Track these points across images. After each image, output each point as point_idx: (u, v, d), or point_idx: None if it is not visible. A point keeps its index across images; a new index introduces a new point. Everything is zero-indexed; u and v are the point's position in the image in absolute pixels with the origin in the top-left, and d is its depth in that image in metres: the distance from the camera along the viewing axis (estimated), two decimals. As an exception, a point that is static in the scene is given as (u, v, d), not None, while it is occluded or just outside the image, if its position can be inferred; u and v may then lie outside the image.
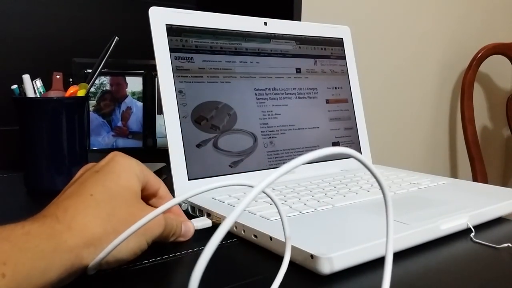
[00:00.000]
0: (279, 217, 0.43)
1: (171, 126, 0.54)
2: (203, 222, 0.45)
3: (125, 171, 0.37)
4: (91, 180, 0.35)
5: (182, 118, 0.56)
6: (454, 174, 1.56)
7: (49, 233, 0.30)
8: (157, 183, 0.41)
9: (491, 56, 1.42)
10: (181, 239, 0.41)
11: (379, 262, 0.37)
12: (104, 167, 0.37)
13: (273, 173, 0.25)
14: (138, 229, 0.32)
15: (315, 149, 0.26)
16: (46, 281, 0.29)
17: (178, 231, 0.40)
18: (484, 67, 1.45)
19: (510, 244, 0.40)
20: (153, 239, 0.36)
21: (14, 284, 0.27)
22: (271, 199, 0.33)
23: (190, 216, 0.47)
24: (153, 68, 0.87)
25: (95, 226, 0.32)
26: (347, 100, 0.71)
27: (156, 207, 0.36)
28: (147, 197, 0.41)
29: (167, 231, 0.38)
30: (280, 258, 0.37)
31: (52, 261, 0.29)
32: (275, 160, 0.62)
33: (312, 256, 0.35)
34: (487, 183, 1.10)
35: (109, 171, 0.36)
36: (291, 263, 0.36)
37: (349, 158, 0.34)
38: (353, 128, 0.71)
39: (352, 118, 0.71)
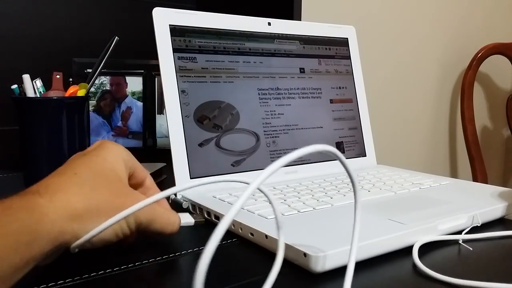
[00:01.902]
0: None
1: (173, 125, 0.54)
2: (186, 220, 0.44)
3: (112, 155, 0.37)
4: (77, 162, 0.35)
5: (184, 117, 0.55)
6: (454, 174, 1.56)
7: (31, 206, 0.30)
8: (144, 173, 0.41)
9: (491, 56, 1.42)
10: (166, 230, 0.39)
11: (373, 261, 0.37)
12: (91, 151, 0.37)
13: (266, 169, 0.28)
14: (129, 214, 0.32)
15: None
16: (31, 255, 0.28)
17: (173, 221, 0.38)
18: (484, 67, 1.45)
19: (471, 248, 0.40)
20: (136, 225, 0.35)
21: None
22: (265, 195, 0.33)
23: (192, 215, 0.47)
24: (153, 68, 0.87)
25: (78, 201, 0.32)
26: (352, 100, 0.71)
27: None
28: (133, 187, 0.40)
29: (156, 218, 0.37)
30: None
31: (36, 234, 0.29)
32: (278, 158, 0.61)
33: (305, 254, 0.35)
34: (487, 183, 1.10)
35: (96, 154, 0.36)
36: (286, 261, 0.36)
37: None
38: (358, 128, 0.71)
39: (356, 118, 0.71)
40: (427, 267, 0.36)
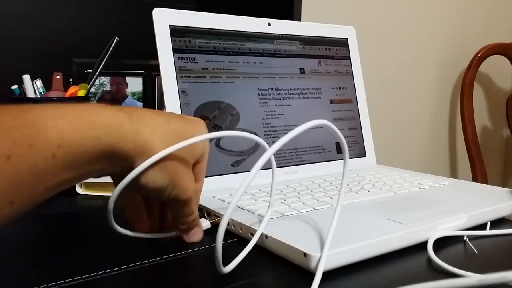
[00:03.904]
0: (277, 215, 0.44)
1: (173, 126, 0.54)
2: (204, 224, 0.45)
3: (201, 136, 0.38)
4: (177, 119, 0.37)
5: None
6: (454, 174, 1.56)
7: (114, 125, 0.31)
8: (204, 166, 0.42)
9: (491, 56, 1.42)
10: (189, 238, 0.40)
11: (373, 261, 0.37)
12: (191, 120, 0.38)
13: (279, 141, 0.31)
14: (180, 148, 0.34)
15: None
16: (91, 170, 0.31)
17: (194, 215, 0.39)
18: (484, 67, 1.45)
19: (476, 252, 0.40)
20: (179, 192, 0.36)
21: (60, 166, 0.28)
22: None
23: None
24: (153, 68, 0.87)
25: (157, 146, 0.33)
26: (352, 100, 0.71)
27: None
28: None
29: (191, 204, 0.38)
30: (277, 257, 0.37)
31: (105, 155, 0.30)
32: (278, 159, 0.62)
33: (305, 254, 0.35)
34: (487, 183, 1.10)
35: (193, 124, 0.38)
36: (286, 261, 0.37)
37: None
38: (358, 128, 0.71)
39: (356, 118, 0.71)
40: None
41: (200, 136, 0.36)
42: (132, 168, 0.33)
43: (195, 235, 0.41)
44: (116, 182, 0.35)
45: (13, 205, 0.26)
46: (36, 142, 0.27)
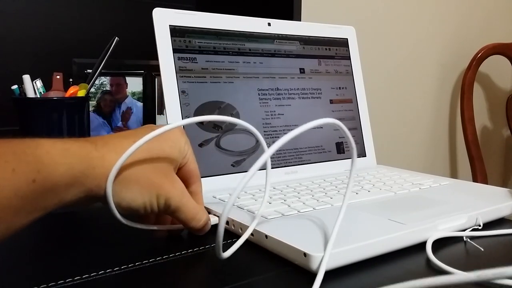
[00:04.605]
0: (277, 215, 0.44)
1: (173, 126, 0.54)
2: (212, 219, 0.45)
3: (173, 141, 0.39)
4: (142, 132, 0.37)
5: (184, 117, 0.55)
6: (454, 174, 1.56)
7: (84, 155, 0.34)
8: (194, 165, 0.43)
9: (491, 56, 1.42)
10: (190, 224, 0.40)
11: (373, 261, 0.37)
12: (163, 136, 0.39)
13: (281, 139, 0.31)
14: (153, 137, 0.35)
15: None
16: (66, 197, 0.32)
17: (198, 218, 0.40)
18: (484, 67, 1.45)
19: (482, 249, 0.40)
20: (165, 206, 0.37)
21: (40, 191, 0.30)
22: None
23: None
24: (153, 68, 0.87)
25: (124, 168, 0.35)
26: (352, 100, 0.71)
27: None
28: (180, 175, 0.42)
29: (184, 208, 0.39)
30: (277, 257, 0.37)
31: (78, 181, 0.33)
32: (278, 159, 0.62)
33: (305, 254, 0.35)
34: (487, 183, 1.10)
35: (162, 138, 0.38)
36: (286, 261, 0.37)
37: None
38: (358, 129, 0.71)
39: (356, 118, 0.71)
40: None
41: (163, 127, 0.36)
42: (102, 197, 0.35)
43: (207, 226, 0.42)
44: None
45: None
46: (18, 168, 0.29)
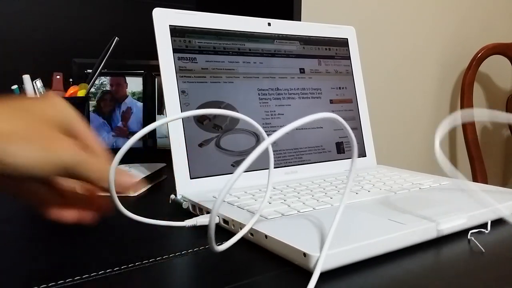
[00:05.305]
0: (277, 215, 0.44)
1: (173, 125, 0.55)
2: (202, 219, 0.44)
3: (50, 103, 0.36)
4: (17, 100, 0.36)
5: (184, 117, 0.55)
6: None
7: None
8: (82, 129, 0.38)
9: (491, 56, 1.42)
10: (94, 177, 0.35)
11: (373, 261, 0.37)
12: (38, 98, 0.37)
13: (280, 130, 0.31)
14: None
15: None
16: None
17: (94, 168, 0.35)
18: (484, 67, 1.45)
19: (483, 250, 0.40)
20: (62, 164, 0.34)
21: None
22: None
23: (191, 215, 0.47)
24: (153, 68, 0.87)
25: (4, 125, 0.32)
26: (352, 100, 0.71)
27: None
28: None
29: (79, 164, 0.34)
30: (276, 257, 0.37)
31: None
32: (278, 159, 0.62)
33: (304, 254, 0.35)
34: (487, 183, 1.10)
35: (36, 99, 0.37)
36: (285, 261, 0.37)
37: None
38: (358, 129, 0.71)
39: (356, 118, 0.71)
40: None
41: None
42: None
43: (102, 172, 0.36)
44: None
45: None
46: None
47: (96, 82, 0.74)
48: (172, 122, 0.55)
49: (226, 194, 0.32)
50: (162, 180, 0.68)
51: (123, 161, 0.38)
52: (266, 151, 0.33)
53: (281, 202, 0.49)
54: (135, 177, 0.39)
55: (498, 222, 0.48)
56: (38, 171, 0.33)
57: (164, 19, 0.56)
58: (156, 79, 0.87)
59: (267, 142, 0.32)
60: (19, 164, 0.32)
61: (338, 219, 0.39)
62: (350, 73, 0.72)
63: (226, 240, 0.42)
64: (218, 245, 0.35)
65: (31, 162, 0.32)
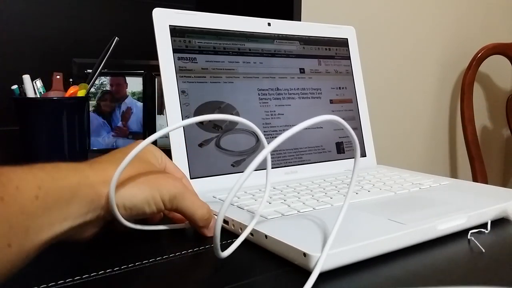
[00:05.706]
0: (277, 215, 0.44)
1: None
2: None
3: (145, 150, 0.40)
4: (116, 150, 0.40)
5: (184, 117, 0.56)
6: (454, 174, 1.56)
7: (75, 168, 0.35)
8: (175, 169, 0.45)
9: (491, 56, 1.42)
10: (197, 211, 0.41)
11: (373, 261, 0.37)
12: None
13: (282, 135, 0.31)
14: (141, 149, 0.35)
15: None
16: (69, 211, 0.33)
17: (200, 214, 0.41)
18: (484, 67, 1.45)
19: (483, 250, 0.40)
20: (170, 198, 0.38)
21: (44, 207, 0.30)
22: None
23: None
24: (153, 68, 0.87)
25: (113, 169, 0.36)
26: (352, 100, 0.71)
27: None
28: None
29: (183, 202, 0.39)
30: (277, 257, 0.37)
31: (76, 192, 0.33)
32: (278, 159, 0.62)
33: (304, 254, 0.35)
34: (487, 183, 1.10)
35: (131, 147, 0.39)
36: (285, 261, 0.37)
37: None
38: (358, 129, 0.71)
39: (356, 118, 0.71)
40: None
41: (161, 132, 0.36)
42: (104, 206, 0.35)
43: (212, 230, 0.42)
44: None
45: (10, 249, 0.28)
46: (21, 184, 0.30)
47: (96, 82, 0.74)
48: (172, 123, 0.55)
49: (226, 209, 0.32)
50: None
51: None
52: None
53: (281, 202, 0.49)
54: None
55: (498, 222, 0.48)
56: (148, 207, 0.38)
57: (164, 19, 0.57)
58: (156, 79, 0.87)
59: (266, 151, 0.32)
60: (137, 206, 0.37)
61: (341, 219, 0.39)
62: (350, 73, 0.72)
63: (226, 239, 0.42)
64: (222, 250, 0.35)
65: (143, 201, 0.37)
